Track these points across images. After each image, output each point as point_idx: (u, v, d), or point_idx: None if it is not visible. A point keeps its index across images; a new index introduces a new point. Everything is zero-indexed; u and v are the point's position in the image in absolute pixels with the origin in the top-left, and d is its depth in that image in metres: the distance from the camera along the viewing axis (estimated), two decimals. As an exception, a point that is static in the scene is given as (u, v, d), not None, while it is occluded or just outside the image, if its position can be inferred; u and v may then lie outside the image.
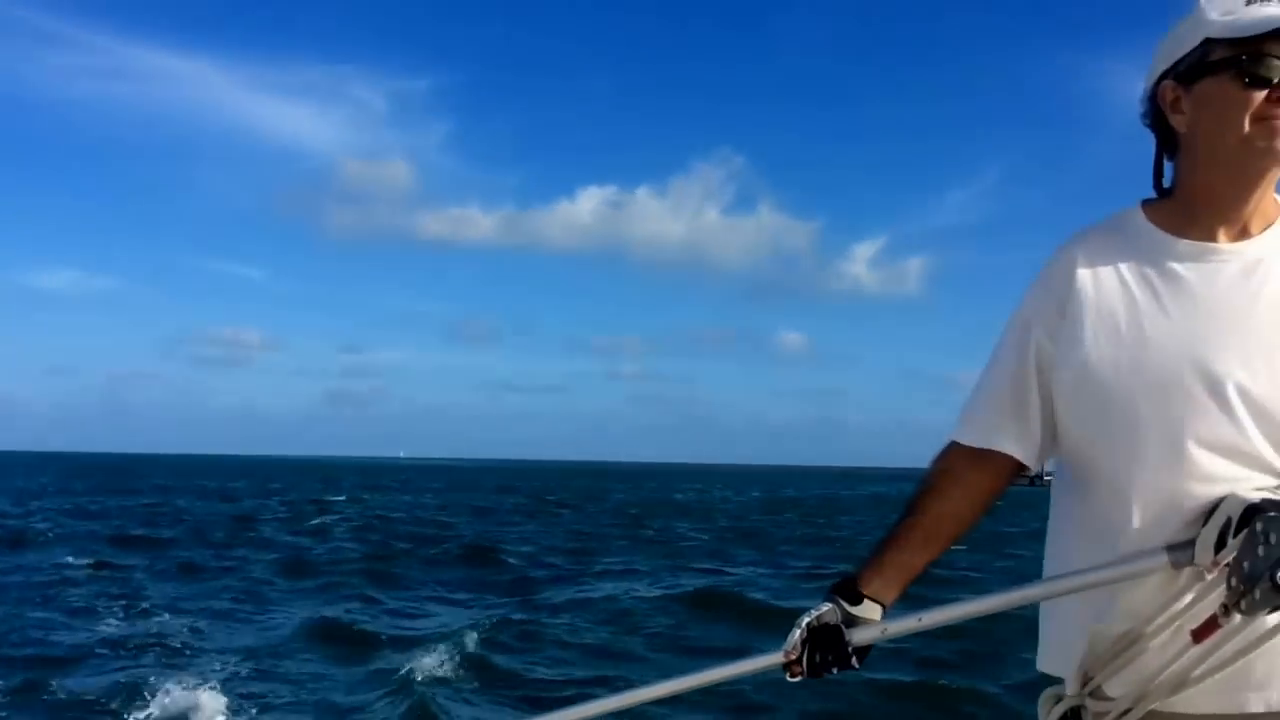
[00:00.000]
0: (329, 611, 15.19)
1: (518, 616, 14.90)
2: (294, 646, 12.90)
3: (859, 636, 1.76)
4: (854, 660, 1.76)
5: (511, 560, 23.03)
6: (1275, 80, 1.62)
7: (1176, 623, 1.66)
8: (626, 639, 13.76)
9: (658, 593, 17.58)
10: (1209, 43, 1.66)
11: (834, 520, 41.87)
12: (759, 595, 17.17)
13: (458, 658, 11.63)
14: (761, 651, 1.84)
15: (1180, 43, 1.71)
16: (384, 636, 13.36)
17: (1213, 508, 1.61)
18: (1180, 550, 1.63)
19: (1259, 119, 1.62)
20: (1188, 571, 1.65)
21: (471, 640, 12.59)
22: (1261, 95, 1.61)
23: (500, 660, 11.95)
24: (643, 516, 41.83)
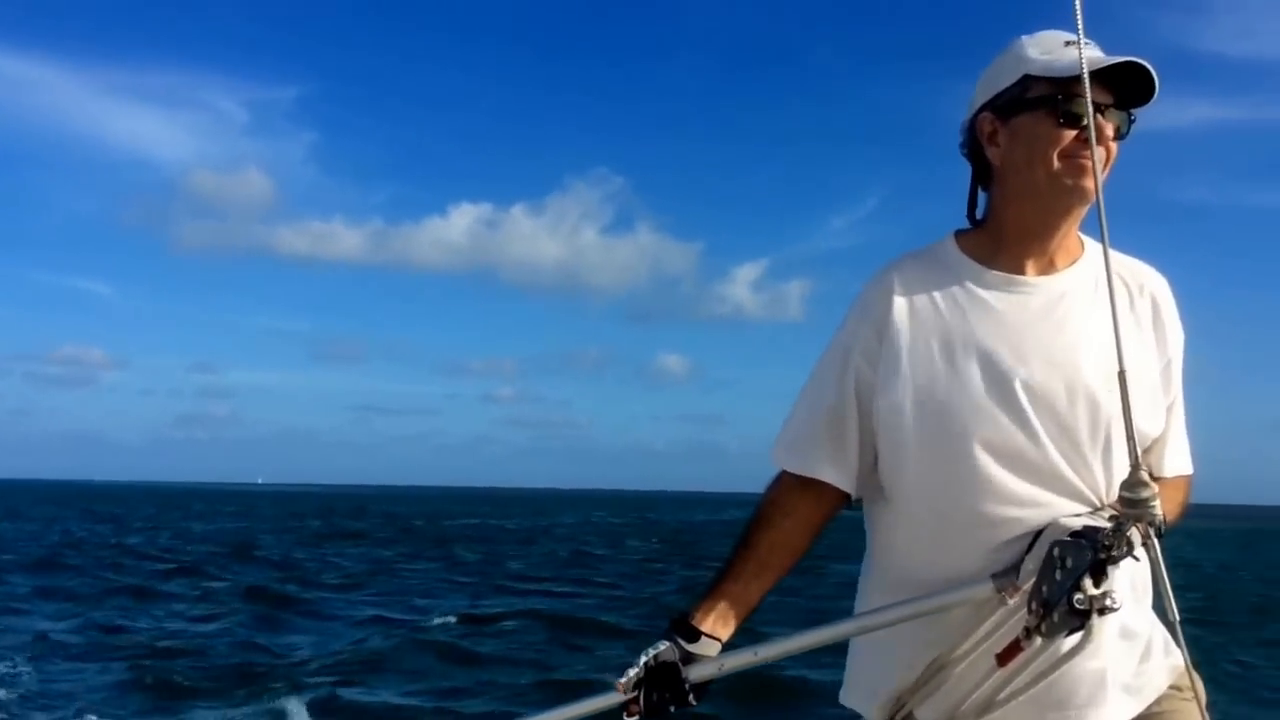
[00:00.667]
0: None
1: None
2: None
3: (696, 673, 1.74)
4: (691, 697, 1.75)
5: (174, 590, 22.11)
6: (1086, 122, 1.65)
7: (983, 647, 1.70)
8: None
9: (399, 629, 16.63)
10: (1028, 79, 1.72)
11: (675, 546, 41.57)
12: (457, 640, 15.84)
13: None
14: (599, 691, 1.81)
15: (1001, 77, 1.77)
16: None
17: (1035, 535, 1.65)
18: (1004, 577, 1.66)
19: (1067, 156, 1.68)
20: (992, 598, 1.68)
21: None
22: (1072, 134, 1.68)
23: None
24: (450, 542, 41.26)
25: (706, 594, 1.82)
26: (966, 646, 1.71)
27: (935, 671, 1.74)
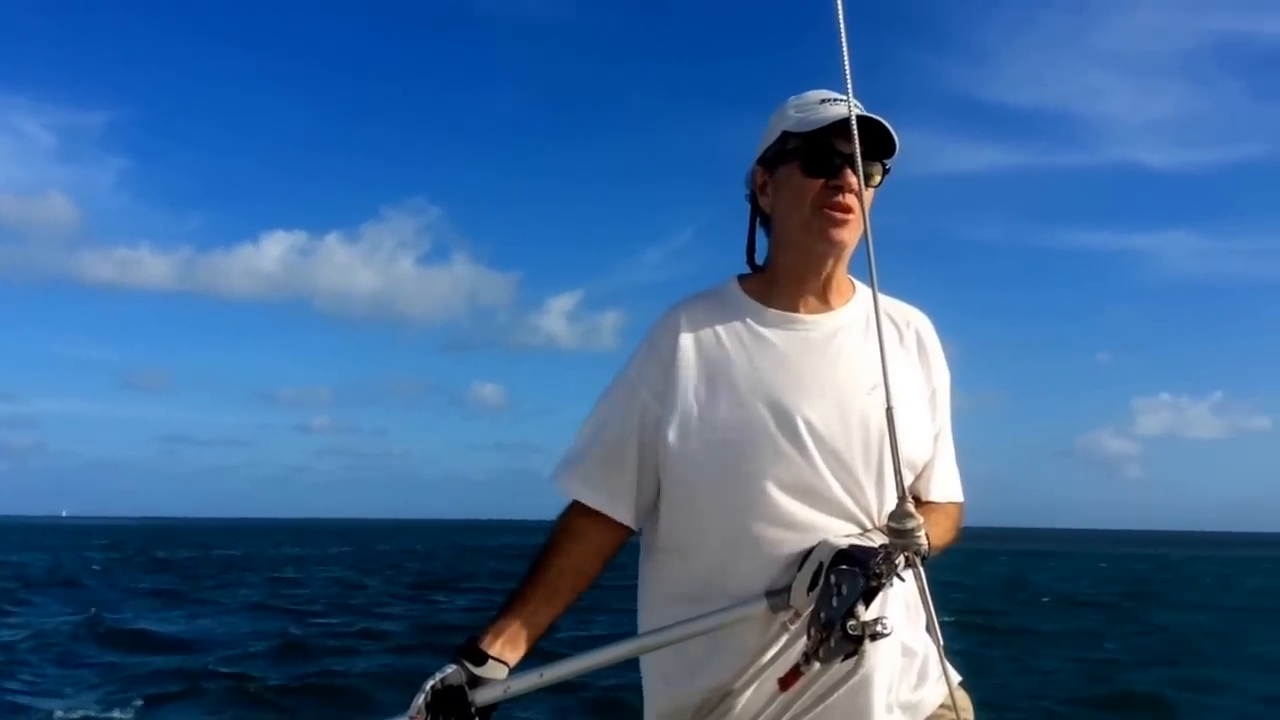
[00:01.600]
0: None
1: None
2: None
3: (482, 696, 1.75)
4: None
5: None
6: (834, 171, 1.82)
7: (766, 672, 1.77)
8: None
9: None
10: (786, 135, 1.87)
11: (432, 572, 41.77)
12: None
13: None
14: (387, 715, 1.76)
15: (770, 134, 1.92)
16: None
17: (806, 554, 1.74)
18: (777, 595, 1.75)
19: (819, 206, 1.83)
20: (777, 623, 1.76)
21: None
22: (820, 183, 1.82)
23: None
24: (197, 572, 40.70)
25: (496, 618, 1.83)
26: (751, 672, 1.78)
27: (722, 697, 1.80)
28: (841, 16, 1.56)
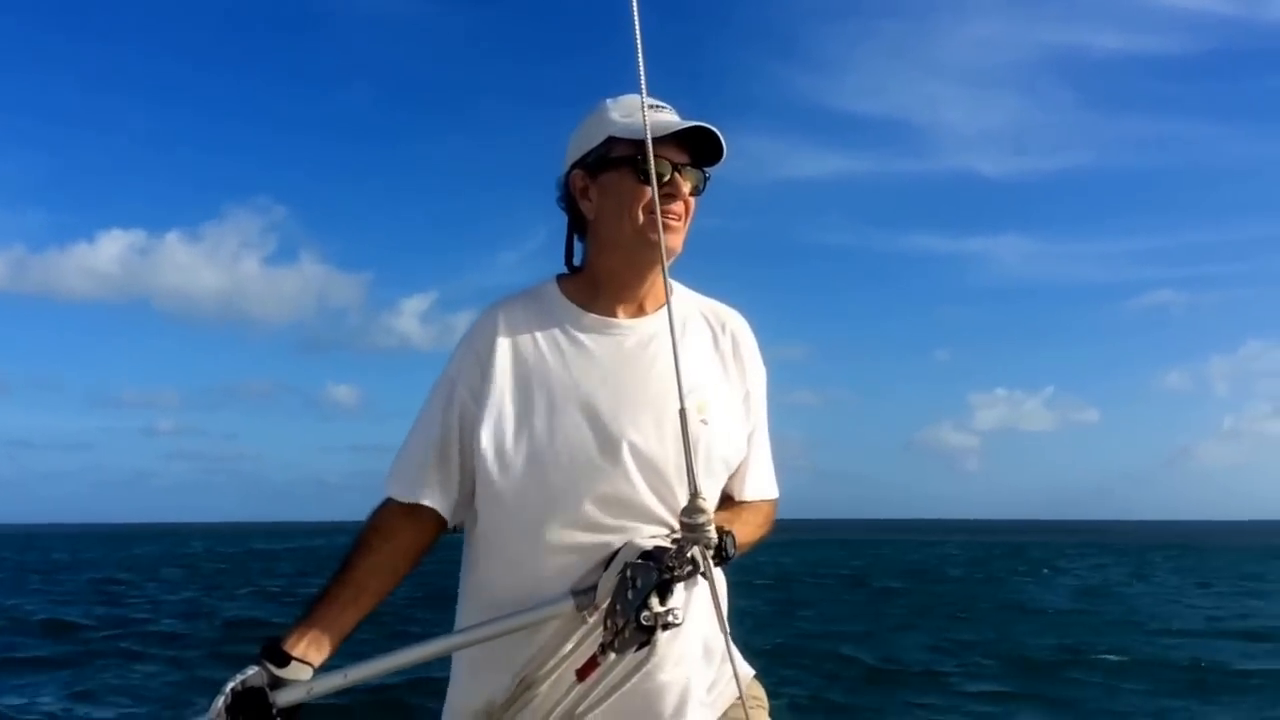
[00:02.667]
0: None
1: None
2: None
3: (284, 698, 1.74)
4: None
5: None
6: (665, 179, 1.84)
7: (566, 663, 1.81)
8: None
9: None
10: (611, 140, 1.87)
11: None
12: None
13: None
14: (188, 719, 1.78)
15: (589, 137, 1.92)
16: None
17: (614, 555, 1.78)
18: (584, 595, 1.78)
19: (650, 212, 1.83)
20: (578, 616, 1.80)
21: None
22: (651, 191, 1.78)
23: None
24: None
25: (301, 619, 1.82)
26: (552, 664, 1.82)
27: (524, 689, 1.84)
28: (637, 21, 1.59)
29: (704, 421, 1.87)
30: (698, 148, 1.86)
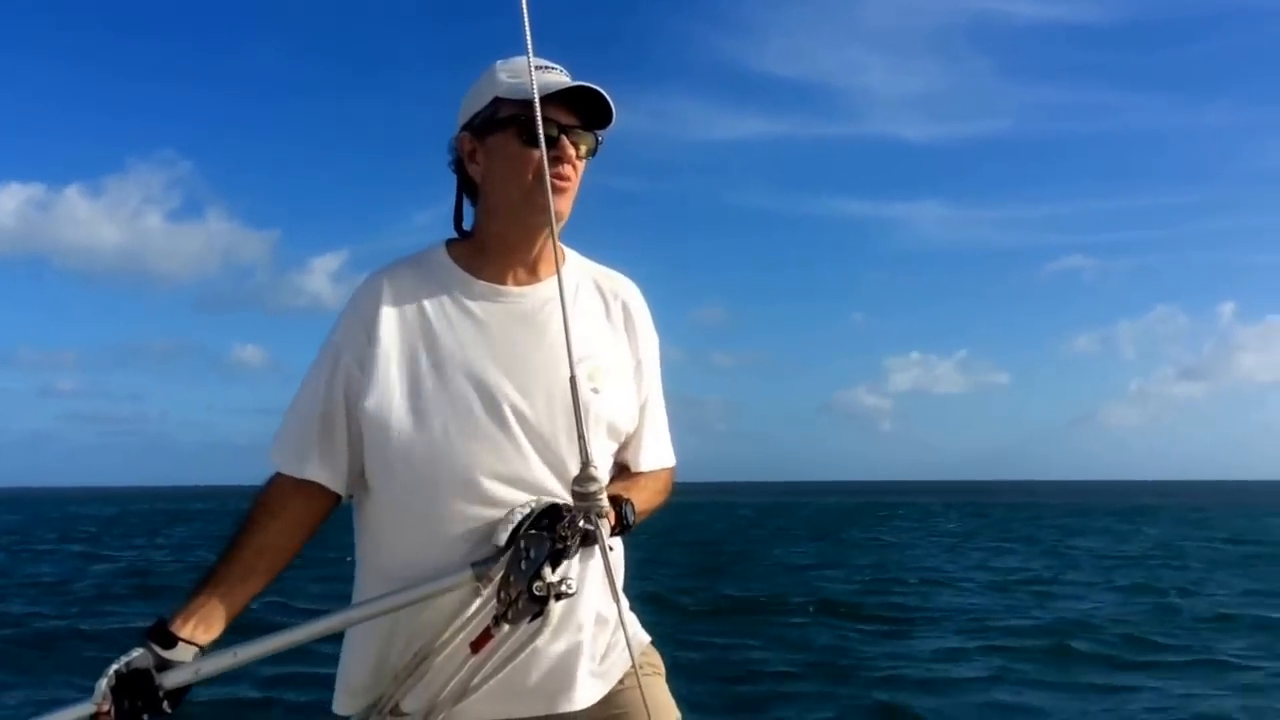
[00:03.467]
0: None
1: None
2: None
3: (171, 679, 1.69)
4: (166, 705, 1.68)
5: None
6: (553, 141, 1.79)
7: (460, 636, 1.79)
8: None
9: None
10: (498, 101, 1.83)
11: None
12: None
13: None
14: (71, 703, 1.70)
15: (477, 99, 1.87)
16: None
17: (515, 521, 1.74)
18: (483, 565, 1.75)
19: (539, 176, 1.74)
20: (471, 589, 1.77)
21: None
22: (537, 153, 1.73)
23: None
24: None
25: (187, 599, 1.77)
26: (446, 637, 1.80)
27: (418, 663, 1.82)
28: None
29: (595, 390, 1.85)
30: (589, 110, 1.82)
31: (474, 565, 1.76)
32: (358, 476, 1.88)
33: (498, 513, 1.77)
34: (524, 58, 1.77)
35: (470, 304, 1.88)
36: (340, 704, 1.94)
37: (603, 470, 1.82)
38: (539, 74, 1.74)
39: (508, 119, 1.82)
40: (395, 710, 1.85)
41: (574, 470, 1.72)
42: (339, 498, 1.88)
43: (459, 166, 1.92)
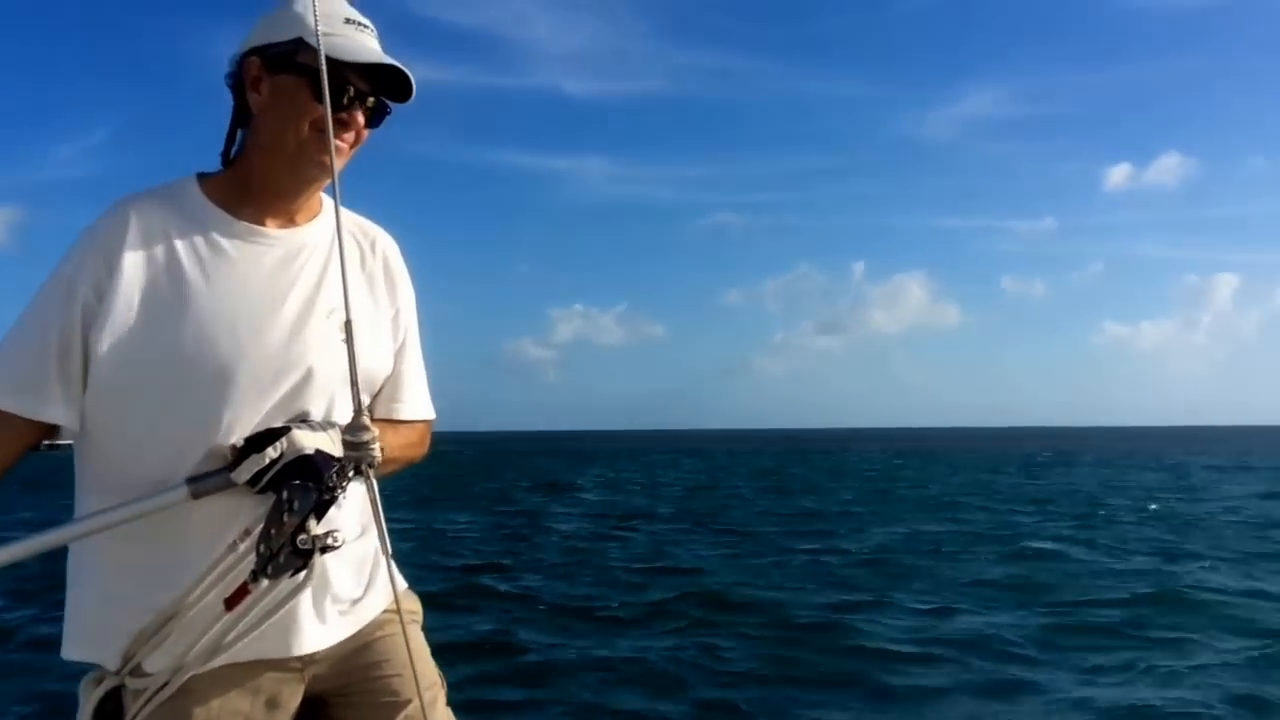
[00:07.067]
0: None
1: None
2: None
3: None
4: None
5: None
6: (345, 106, 1.74)
7: (213, 593, 1.70)
8: None
9: None
10: (301, 43, 1.73)
11: None
12: None
13: None
14: None
15: (280, 27, 1.76)
16: None
17: (268, 436, 1.67)
18: (200, 481, 1.66)
19: (318, 129, 1.70)
20: (224, 543, 1.69)
21: None
22: (325, 111, 1.63)
23: None
24: None
25: None
26: (197, 594, 1.70)
27: (164, 621, 1.71)
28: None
29: (344, 341, 1.72)
30: (385, 79, 1.77)
31: (189, 481, 1.66)
32: (80, 406, 1.72)
33: (230, 440, 1.68)
34: (341, 4, 1.76)
35: (224, 242, 1.78)
36: (69, 648, 1.78)
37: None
38: (351, 31, 1.73)
39: (304, 66, 1.72)
40: (137, 671, 1.73)
41: (329, 415, 1.71)
42: (50, 431, 1.72)
43: (238, 88, 1.80)
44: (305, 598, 1.76)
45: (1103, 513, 25.11)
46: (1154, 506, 26.55)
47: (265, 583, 1.64)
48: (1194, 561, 16.26)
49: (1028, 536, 19.73)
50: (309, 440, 1.67)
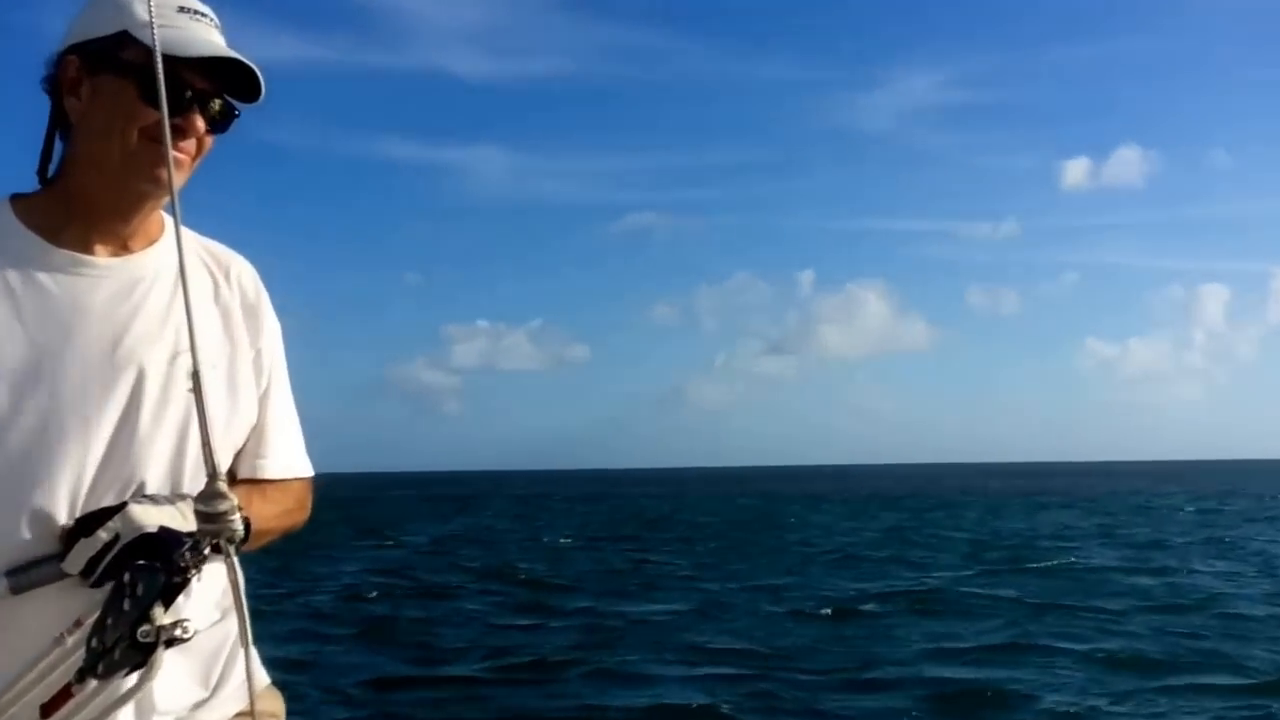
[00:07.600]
0: None
1: None
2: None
3: None
4: None
5: None
6: (182, 108, 1.46)
7: (27, 698, 1.40)
8: None
9: None
10: (126, 36, 1.47)
11: None
12: None
13: None
14: None
15: (100, 20, 1.50)
16: None
17: (97, 517, 1.41)
18: (21, 574, 1.40)
19: (150, 138, 1.45)
20: (48, 637, 1.41)
21: None
22: (156, 116, 1.37)
23: None
24: None
25: None
26: (8, 698, 1.40)
27: None
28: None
29: (190, 392, 1.44)
30: (229, 75, 1.51)
31: (8, 574, 1.39)
32: None
33: (51, 526, 1.42)
34: None
35: (41, 276, 1.50)
36: None
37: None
38: (185, 21, 1.48)
39: (130, 64, 1.46)
40: None
41: (172, 479, 1.46)
42: None
43: (55, 91, 1.53)
44: (146, 706, 1.47)
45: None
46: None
47: (94, 683, 1.36)
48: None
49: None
50: (150, 517, 1.41)
